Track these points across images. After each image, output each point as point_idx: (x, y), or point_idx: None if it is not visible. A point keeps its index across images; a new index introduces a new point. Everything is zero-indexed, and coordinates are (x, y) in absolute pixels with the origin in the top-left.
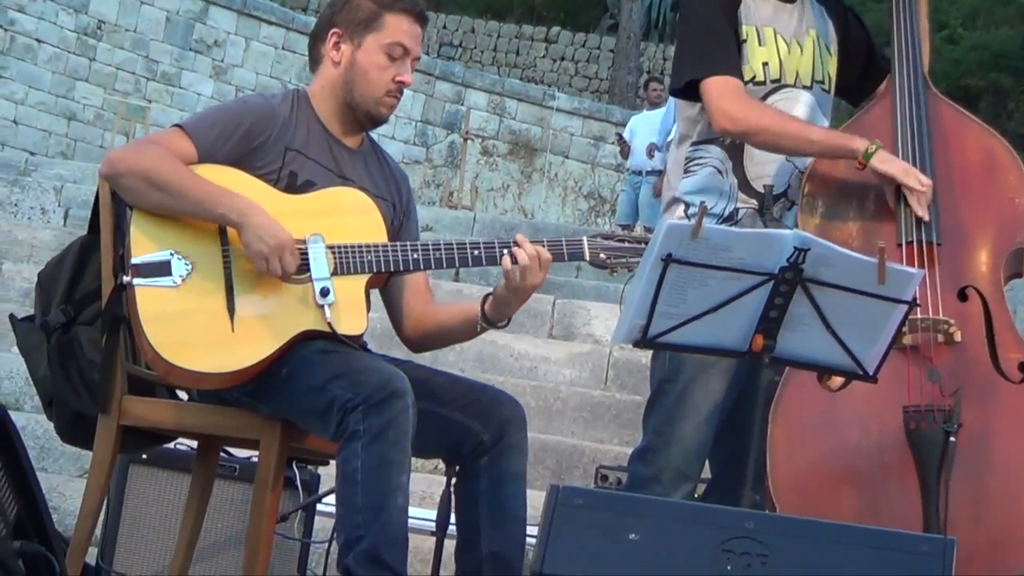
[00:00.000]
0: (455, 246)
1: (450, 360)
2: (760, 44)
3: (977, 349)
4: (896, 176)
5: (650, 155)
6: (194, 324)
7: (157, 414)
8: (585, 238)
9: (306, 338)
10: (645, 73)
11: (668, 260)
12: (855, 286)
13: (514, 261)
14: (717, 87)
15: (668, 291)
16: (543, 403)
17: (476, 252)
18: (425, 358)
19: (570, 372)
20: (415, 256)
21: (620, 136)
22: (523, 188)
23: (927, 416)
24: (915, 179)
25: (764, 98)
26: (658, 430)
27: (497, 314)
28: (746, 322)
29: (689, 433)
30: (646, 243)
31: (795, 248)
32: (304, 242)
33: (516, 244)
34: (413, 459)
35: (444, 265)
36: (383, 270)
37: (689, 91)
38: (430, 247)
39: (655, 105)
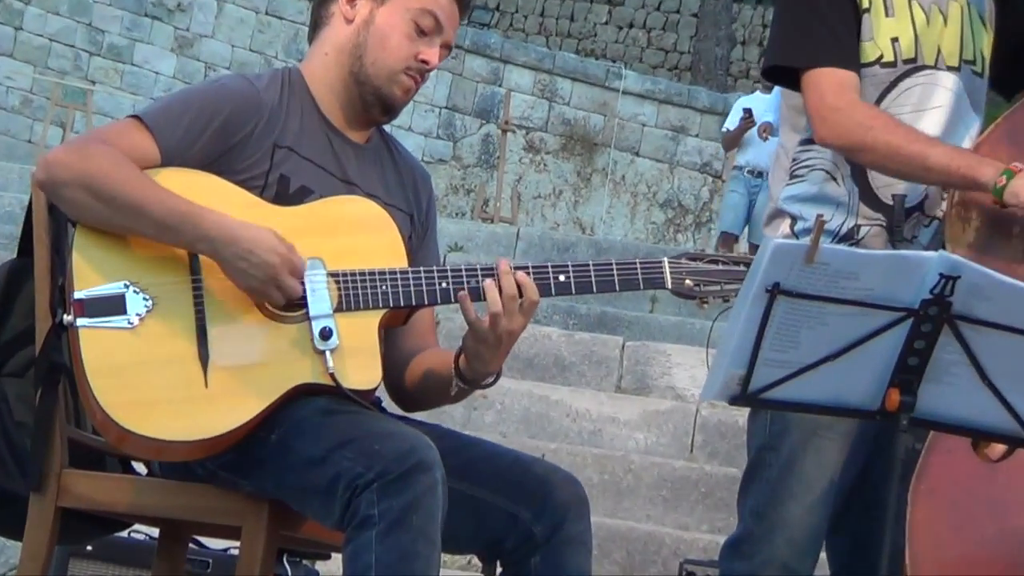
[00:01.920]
0: (480, 272)
1: (487, 422)
2: (888, 14)
3: None
4: None
5: (763, 135)
6: (155, 377)
7: (107, 493)
8: (666, 259)
9: (302, 394)
10: (739, 44)
11: (775, 291)
12: (1020, 324)
13: (477, 298)
14: (820, 84)
15: (775, 332)
16: (610, 478)
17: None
18: (455, 421)
19: (645, 437)
20: (444, 286)
21: (748, 112)
22: (580, 195)
23: None
24: None
25: (895, 83)
26: (758, 512)
27: (472, 371)
28: (877, 372)
29: (798, 516)
30: (747, 266)
31: (941, 275)
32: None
33: (485, 274)
34: (442, 554)
35: (483, 296)
36: (403, 304)
37: (785, 75)
38: (463, 273)
39: (770, 87)
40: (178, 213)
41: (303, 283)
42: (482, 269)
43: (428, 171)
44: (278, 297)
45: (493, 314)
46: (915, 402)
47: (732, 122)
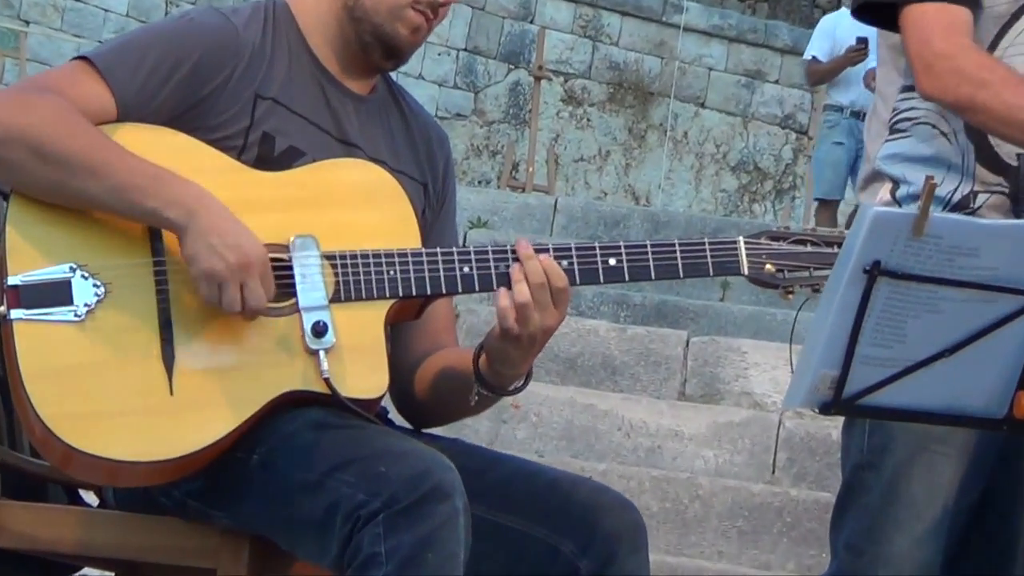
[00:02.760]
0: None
1: (519, 438)
2: None
3: None
4: None
5: (871, 83)
6: (109, 382)
7: (50, 528)
8: (741, 240)
9: (290, 404)
10: None
11: (875, 271)
12: None
13: (505, 285)
14: (924, 23)
15: (875, 322)
16: (673, 506)
17: (567, 262)
18: (480, 437)
19: (715, 455)
20: (466, 271)
21: (864, 42)
22: (632, 156)
23: None
24: None
25: (1017, 17)
26: (855, 546)
27: (497, 375)
28: (1003, 372)
29: (905, 551)
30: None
31: None
32: (287, 248)
33: (514, 257)
34: None
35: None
36: (415, 294)
37: (881, 11)
38: (489, 254)
39: None
40: (146, 173)
41: (289, 267)
42: (513, 250)
43: (446, 128)
44: (234, 299)
45: (521, 305)
46: None
47: (819, 48)
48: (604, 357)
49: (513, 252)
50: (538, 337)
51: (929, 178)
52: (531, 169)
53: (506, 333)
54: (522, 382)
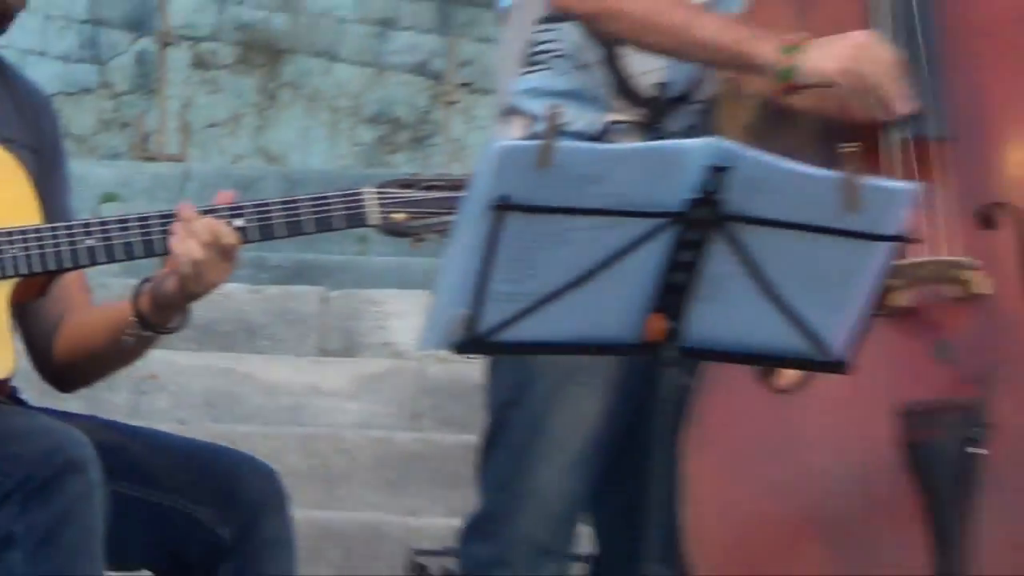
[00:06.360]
0: (154, 221)
1: (159, 408)
2: None
3: (1014, 303)
4: (836, 80)
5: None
6: None
7: None
8: (368, 189)
9: None
10: None
11: (503, 207)
12: (808, 220)
13: (152, 254)
14: None
15: (506, 258)
16: (318, 461)
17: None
18: (119, 409)
19: (357, 407)
20: (89, 243)
21: None
22: (265, 117)
23: (936, 419)
24: (862, 73)
25: None
26: (502, 483)
27: (160, 315)
28: (634, 296)
29: (549, 483)
30: None
31: (709, 167)
32: None
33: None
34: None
35: (144, 252)
36: (39, 270)
37: None
38: (112, 228)
39: None
40: None
41: None
42: (139, 219)
43: (71, 105)
44: None
45: (196, 261)
46: (684, 328)
47: None
48: (240, 320)
49: (142, 222)
50: (206, 288)
51: (553, 107)
52: (161, 139)
53: (182, 285)
54: (179, 322)
